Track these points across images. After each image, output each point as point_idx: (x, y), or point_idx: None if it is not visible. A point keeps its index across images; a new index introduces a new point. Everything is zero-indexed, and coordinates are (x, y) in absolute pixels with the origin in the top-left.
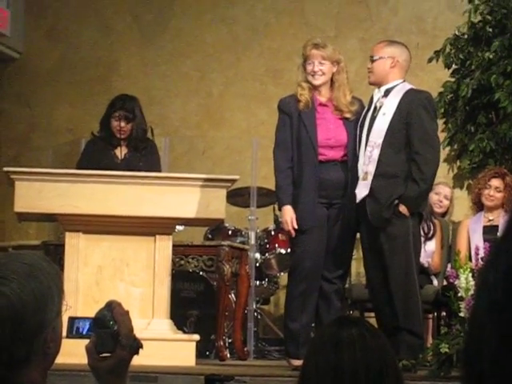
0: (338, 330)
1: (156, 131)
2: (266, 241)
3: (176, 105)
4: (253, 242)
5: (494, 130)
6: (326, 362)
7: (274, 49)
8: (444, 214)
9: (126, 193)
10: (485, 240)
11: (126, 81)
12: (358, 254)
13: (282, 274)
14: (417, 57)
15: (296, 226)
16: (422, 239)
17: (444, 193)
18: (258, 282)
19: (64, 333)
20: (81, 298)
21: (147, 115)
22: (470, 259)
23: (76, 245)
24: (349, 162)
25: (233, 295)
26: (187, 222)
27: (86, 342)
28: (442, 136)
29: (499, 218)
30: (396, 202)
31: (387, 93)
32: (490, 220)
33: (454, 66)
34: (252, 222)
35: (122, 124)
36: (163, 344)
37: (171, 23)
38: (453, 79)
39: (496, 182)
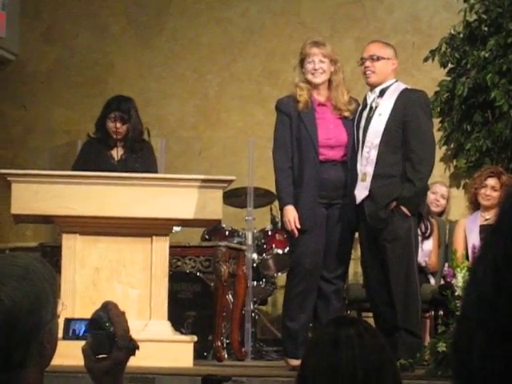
0: (336, 329)
1: (152, 132)
2: (263, 241)
3: (172, 106)
4: (250, 242)
5: (490, 129)
6: (323, 361)
7: (269, 50)
8: (441, 214)
9: (122, 194)
10: (481, 239)
11: (121, 82)
12: (355, 254)
13: (280, 274)
14: (412, 56)
15: (299, 226)
16: (420, 238)
17: (441, 192)
18: (255, 283)
19: (60, 334)
20: (78, 300)
21: (143, 117)
22: (467, 258)
23: (73, 246)
24: (348, 162)
25: (230, 296)
26: (184, 222)
27: (83, 343)
28: (438, 135)
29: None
30: (394, 202)
31: (382, 93)
32: (486, 219)
33: (449, 65)
34: (249, 222)
35: (118, 125)
36: (161, 345)
37: (167, 25)
38: (449, 78)
39: (492, 181)
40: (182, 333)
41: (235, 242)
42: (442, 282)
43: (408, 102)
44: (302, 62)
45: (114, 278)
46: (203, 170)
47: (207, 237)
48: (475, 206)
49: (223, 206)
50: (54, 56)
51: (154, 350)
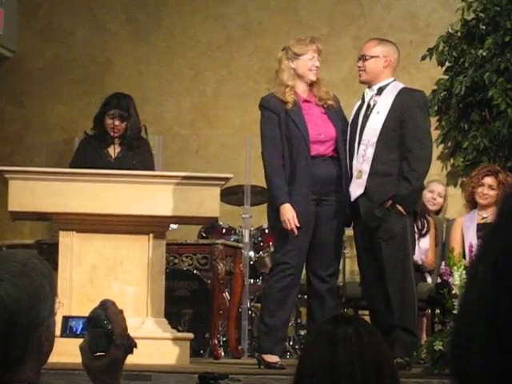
0: (334, 328)
1: (149, 130)
2: (259, 239)
3: (169, 103)
4: (247, 240)
5: (488, 128)
6: (321, 360)
7: (267, 47)
8: (438, 212)
9: (119, 191)
10: (478, 237)
11: (119, 79)
12: (351, 252)
13: None
14: (410, 54)
15: (298, 224)
16: (416, 236)
17: (438, 190)
18: (252, 281)
19: (58, 332)
20: (75, 297)
21: (141, 114)
22: (464, 257)
23: (70, 244)
24: (342, 157)
25: (227, 293)
26: (181, 220)
27: (80, 341)
28: (435, 134)
29: (493, 216)
30: (390, 201)
31: (380, 91)
32: (483, 218)
33: (447, 64)
34: (246, 220)
35: (117, 123)
36: (157, 343)
37: (164, 22)
38: (446, 77)
39: (489, 180)
40: (178, 330)
41: (232, 239)
42: (439, 280)
43: (406, 101)
44: (293, 59)
45: (111, 276)
46: (200, 168)
47: (204, 234)
48: (472, 204)
49: (220, 204)
50: (52, 53)
51: (151, 347)
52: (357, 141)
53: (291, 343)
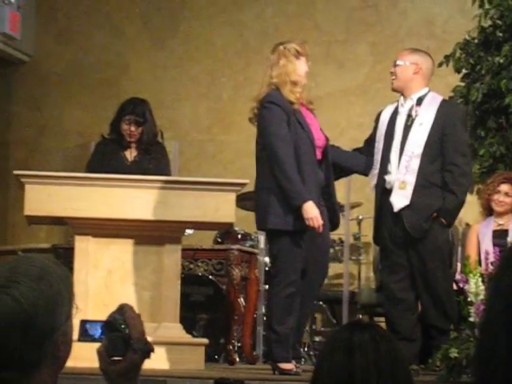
0: (350, 334)
1: (166, 135)
2: None
3: (186, 109)
4: (262, 245)
5: (504, 135)
6: (337, 366)
7: None
8: None
9: (135, 196)
10: (494, 245)
11: (136, 84)
12: (367, 258)
13: None
14: None
15: (322, 222)
16: None
17: None
18: (267, 286)
19: (76, 336)
20: (90, 302)
21: (157, 119)
22: (480, 264)
23: (85, 248)
24: (329, 162)
25: (242, 299)
26: (196, 225)
27: (98, 345)
28: None
29: (509, 223)
30: (435, 213)
31: (419, 101)
32: (499, 224)
33: (464, 71)
34: None
35: (133, 128)
36: (172, 348)
37: (181, 27)
38: (463, 84)
39: (505, 187)
40: (193, 336)
41: (247, 245)
42: (455, 287)
43: (449, 114)
44: (296, 56)
45: (127, 281)
46: (216, 173)
47: (220, 240)
48: (488, 211)
49: (236, 209)
50: (69, 57)
51: (166, 352)
52: (397, 151)
53: (306, 349)
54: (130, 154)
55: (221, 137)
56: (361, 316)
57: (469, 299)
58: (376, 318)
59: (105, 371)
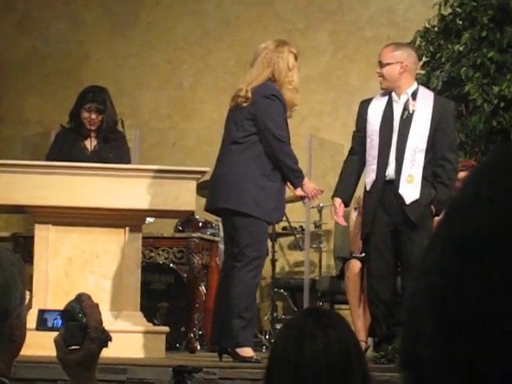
0: (303, 321)
1: (126, 123)
2: None
3: (146, 97)
4: (223, 233)
5: (464, 123)
6: (288, 355)
7: (244, 41)
8: None
9: (95, 184)
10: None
11: (96, 73)
12: (327, 246)
13: None
14: None
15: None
16: None
17: None
18: None
19: (34, 325)
20: (50, 290)
21: (117, 107)
22: None
23: (45, 237)
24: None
25: (203, 287)
26: (157, 213)
27: (56, 334)
28: None
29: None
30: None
31: (414, 96)
32: None
33: (424, 59)
34: None
35: (93, 116)
36: (133, 336)
37: (141, 15)
38: (423, 72)
39: (464, 175)
40: (154, 324)
41: (208, 233)
42: None
43: (444, 110)
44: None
45: (87, 269)
46: (177, 161)
47: (180, 228)
48: None
49: (196, 198)
50: (28, 46)
51: (126, 340)
52: (395, 145)
53: (267, 337)
54: (90, 144)
55: (181, 124)
56: (321, 304)
57: None
58: (336, 306)
59: (62, 360)
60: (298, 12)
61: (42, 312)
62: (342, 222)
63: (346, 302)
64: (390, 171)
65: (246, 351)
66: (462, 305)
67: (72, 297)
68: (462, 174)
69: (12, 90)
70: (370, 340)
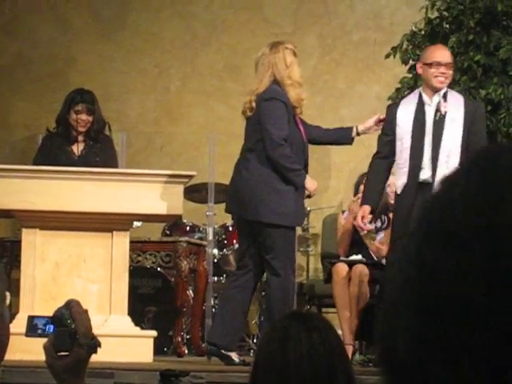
0: (288, 324)
1: (113, 127)
2: (223, 237)
3: (133, 101)
4: (210, 237)
5: None
6: (272, 359)
7: (231, 45)
8: None
9: (82, 189)
10: None
11: (83, 76)
12: (315, 249)
13: None
14: (374, 53)
15: None
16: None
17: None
18: (215, 278)
19: (22, 330)
20: (38, 295)
21: (105, 111)
22: None
23: (33, 241)
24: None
25: (191, 291)
26: (145, 218)
27: (45, 340)
28: None
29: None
30: None
31: (444, 97)
32: None
33: (411, 62)
34: (210, 217)
35: (84, 117)
36: (121, 340)
37: (129, 19)
38: (410, 75)
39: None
40: (142, 328)
41: (196, 237)
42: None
43: (476, 113)
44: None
45: (74, 273)
46: (164, 165)
47: (168, 232)
48: None
49: (184, 202)
50: (15, 49)
51: (114, 345)
52: (429, 147)
53: (255, 341)
54: (77, 148)
55: (168, 129)
56: (309, 307)
57: None
58: (324, 309)
59: (51, 366)
60: (286, 16)
61: (31, 318)
62: (368, 227)
63: (333, 306)
64: (424, 173)
65: (234, 355)
66: (437, 297)
67: (59, 301)
68: None
69: None
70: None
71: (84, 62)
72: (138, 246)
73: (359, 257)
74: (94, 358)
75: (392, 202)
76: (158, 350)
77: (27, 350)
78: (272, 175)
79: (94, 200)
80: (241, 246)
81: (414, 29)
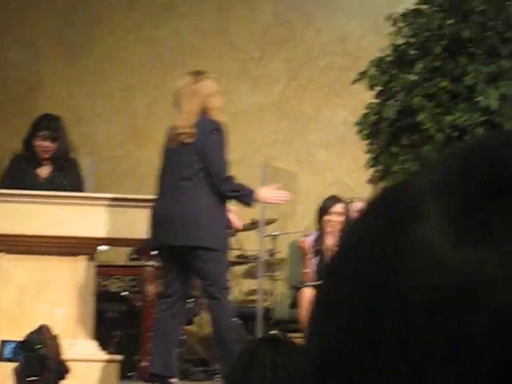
0: (253, 350)
1: (81, 151)
2: None
3: (101, 125)
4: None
5: (418, 152)
6: (238, 381)
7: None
8: None
9: (48, 212)
10: None
11: (50, 100)
12: (281, 274)
13: None
14: (341, 78)
15: None
16: None
17: (360, 208)
18: None
19: None
20: (3, 319)
21: (72, 135)
22: None
23: None
24: None
25: None
26: (110, 242)
27: (15, 364)
28: (366, 157)
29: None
30: None
31: None
32: None
33: (377, 88)
34: None
35: (47, 144)
36: (86, 364)
37: (97, 43)
38: (377, 101)
39: None
40: (108, 352)
41: None
42: None
43: None
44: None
45: (40, 297)
46: (131, 189)
47: (134, 256)
48: None
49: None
50: None
51: (79, 369)
52: None
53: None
54: (43, 172)
55: (136, 153)
56: (275, 332)
57: None
58: (290, 334)
59: None
60: (253, 41)
61: (3, 342)
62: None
63: (299, 331)
64: None
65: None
66: (372, 316)
67: (24, 325)
68: None
69: None
70: None
71: (51, 86)
72: (104, 270)
73: None
74: (61, 382)
75: None
76: (124, 374)
77: None
78: (211, 202)
79: (59, 224)
80: (168, 273)
81: (380, 55)
